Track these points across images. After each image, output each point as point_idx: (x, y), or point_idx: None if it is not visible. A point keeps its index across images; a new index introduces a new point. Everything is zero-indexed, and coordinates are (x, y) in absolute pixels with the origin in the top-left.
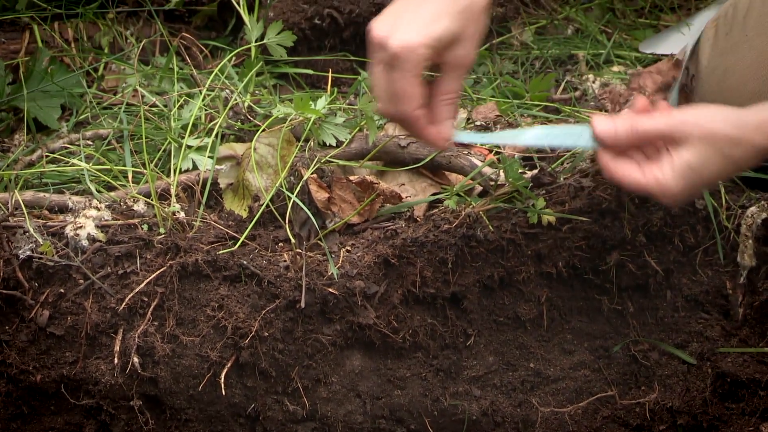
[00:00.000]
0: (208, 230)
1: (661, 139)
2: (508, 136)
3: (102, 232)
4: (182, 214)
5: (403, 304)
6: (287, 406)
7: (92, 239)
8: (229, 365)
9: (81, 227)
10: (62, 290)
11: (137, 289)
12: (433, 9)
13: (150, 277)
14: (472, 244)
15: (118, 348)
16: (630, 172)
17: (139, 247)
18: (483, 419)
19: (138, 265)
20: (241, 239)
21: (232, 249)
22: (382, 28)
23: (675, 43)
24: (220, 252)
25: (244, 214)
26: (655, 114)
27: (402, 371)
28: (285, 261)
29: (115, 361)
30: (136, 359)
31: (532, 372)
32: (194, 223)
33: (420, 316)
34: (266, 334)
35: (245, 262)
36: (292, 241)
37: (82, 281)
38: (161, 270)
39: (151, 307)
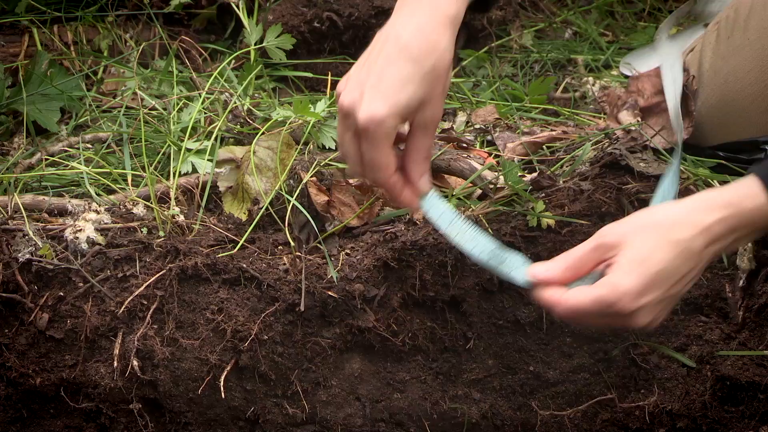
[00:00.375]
0: (207, 233)
1: (597, 254)
2: (465, 235)
3: (101, 235)
4: (182, 218)
5: (403, 308)
6: (287, 409)
7: (92, 242)
8: (228, 368)
9: (80, 230)
10: (62, 293)
11: (137, 293)
12: (397, 75)
13: (149, 281)
14: None
15: (117, 351)
16: (578, 292)
17: (138, 251)
18: (482, 422)
19: (137, 268)
20: (241, 242)
21: (232, 252)
22: (347, 96)
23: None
24: (220, 255)
25: (244, 217)
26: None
27: (401, 374)
28: (284, 264)
29: (115, 364)
30: (135, 362)
31: (532, 375)
32: (194, 226)
33: (419, 320)
34: (266, 337)
35: (245, 266)
36: (292, 244)
37: (81, 284)
38: (161, 273)
39: (151, 311)
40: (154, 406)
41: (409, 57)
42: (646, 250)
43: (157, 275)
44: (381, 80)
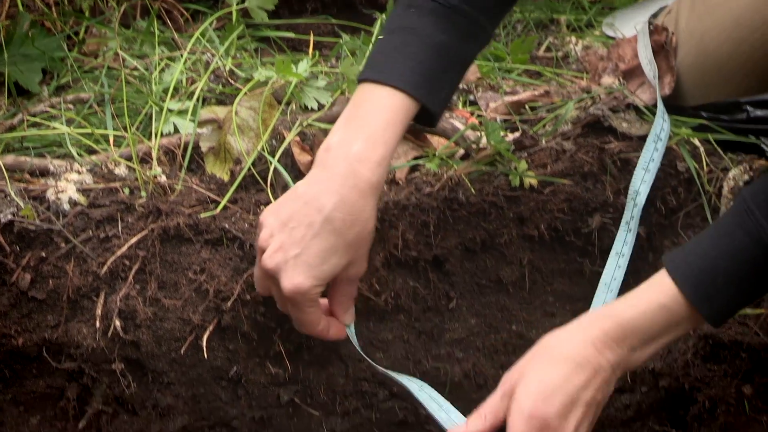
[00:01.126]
0: (189, 194)
1: (507, 400)
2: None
3: (83, 195)
4: (163, 178)
5: (385, 267)
6: (269, 369)
7: (73, 203)
8: (211, 328)
9: (62, 191)
10: (44, 254)
11: (119, 253)
12: (320, 247)
13: (131, 241)
14: (454, 207)
15: (99, 311)
16: None
17: (120, 211)
18: (465, 381)
19: (119, 228)
20: (223, 203)
21: (214, 212)
22: (271, 261)
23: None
24: (202, 215)
25: (226, 178)
26: None
27: (384, 334)
28: None
29: (97, 324)
30: (117, 322)
31: (515, 334)
32: (176, 186)
33: (402, 279)
34: (248, 297)
35: (227, 226)
36: None
37: (63, 245)
38: (143, 233)
39: (133, 271)
40: (136, 366)
41: (332, 230)
42: (540, 370)
43: (139, 236)
44: (304, 251)
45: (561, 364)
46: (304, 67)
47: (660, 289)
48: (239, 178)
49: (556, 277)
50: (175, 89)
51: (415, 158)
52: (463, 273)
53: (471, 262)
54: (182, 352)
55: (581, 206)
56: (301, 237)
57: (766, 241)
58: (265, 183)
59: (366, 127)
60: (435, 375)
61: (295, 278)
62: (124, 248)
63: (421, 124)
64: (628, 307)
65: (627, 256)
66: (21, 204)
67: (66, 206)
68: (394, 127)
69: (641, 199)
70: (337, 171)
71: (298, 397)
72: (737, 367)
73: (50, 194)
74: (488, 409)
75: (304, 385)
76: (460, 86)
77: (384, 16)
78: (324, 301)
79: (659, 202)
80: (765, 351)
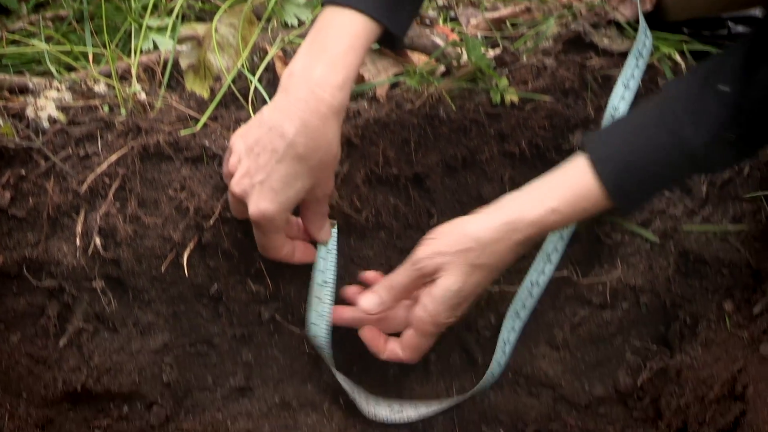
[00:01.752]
0: (169, 111)
1: (417, 281)
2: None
3: (63, 113)
4: (143, 95)
5: (366, 184)
6: (250, 286)
7: (53, 120)
8: (191, 246)
9: (42, 108)
10: (23, 172)
11: (99, 171)
12: (284, 173)
13: (111, 159)
14: (435, 124)
15: (80, 229)
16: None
17: (100, 129)
18: None
19: (99, 146)
20: (203, 120)
21: (194, 130)
22: (238, 186)
23: None
24: (182, 133)
25: (206, 95)
26: (400, 267)
27: (365, 251)
28: None
29: (77, 242)
30: (98, 240)
31: None
32: (155, 104)
33: (383, 196)
34: (229, 215)
35: (207, 143)
36: None
37: (43, 163)
38: (122, 151)
39: (113, 189)
40: (117, 284)
41: (295, 155)
42: (461, 281)
43: (119, 153)
44: (269, 177)
45: (480, 270)
46: None
47: (583, 189)
48: (219, 96)
49: None
50: (155, 6)
51: (396, 75)
52: (444, 190)
53: (452, 179)
54: (163, 269)
55: (562, 123)
56: (266, 163)
57: (691, 149)
58: (246, 100)
59: (327, 52)
60: None
61: (260, 203)
62: (104, 166)
63: (385, 47)
64: (551, 213)
65: None
66: (0, 122)
67: (45, 124)
68: (356, 50)
69: (619, 116)
70: (298, 96)
71: (279, 315)
72: (718, 283)
73: (29, 112)
74: (397, 281)
75: (285, 303)
76: (441, 3)
77: None
78: (298, 220)
79: None
80: (746, 267)
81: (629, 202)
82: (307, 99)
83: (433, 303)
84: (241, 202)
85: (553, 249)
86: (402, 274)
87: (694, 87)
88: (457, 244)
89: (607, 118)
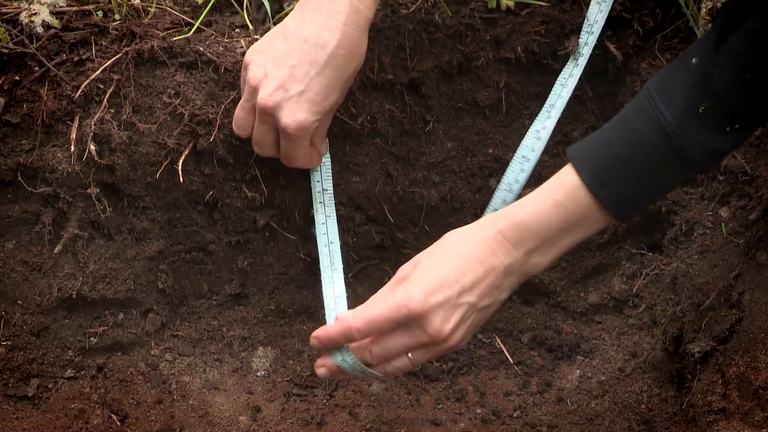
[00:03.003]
0: (163, 16)
1: (395, 319)
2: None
3: (57, 18)
4: (137, 0)
5: (361, 91)
6: (246, 193)
7: (47, 26)
8: (186, 152)
9: (35, 14)
10: (17, 78)
11: (93, 76)
12: (323, 83)
13: (105, 64)
14: (430, 30)
15: (74, 136)
16: (374, 302)
17: (94, 34)
18: (442, 205)
19: (93, 52)
20: (197, 25)
21: (188, 35)
22: (270, 98)
23: None
24: (176, 38)
25: (200, 0)
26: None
27: (360, 158)
28: (242, 47)
29: (72, 148)
30: (92, 147)
31: (491, 158)
32: (149, 9)
33: (378, 102)
34: (224, 121)
35: (201, 49)
36: (250, 27)
37: (37, 68)
38: (117, 57)
39: (107, 95)
40: (111, 191)
41: (335, 66)
42: (434, 263)
43: (114, 59)
44: (308, 88)
45: (453, 260)
46: None
47: (560, 182)
48: (213, 0)
49: (533, 100)
50: None
51: None
52: (439, 96)
53: (447, 85)
54: (157, 176)
55: (558, 28)
56: (304, 74)
57: (665, 126)
58: (240, 5)
59: None
60: (411, 199)
61: (298, 114)
62: (98, 72)
63: None
64: (524, 207)
65: (571, 87)
66: None
67: (39, 29)
68: None
69: (597, 29)
70: (337, 9)
71: (274, 222)
72: (714, 189)
73: (23, 17)
74: (379, 296)
75: (280, 210)
76: None
77: None
78: None
79: (636, 23)
80: (742, 173)
81: (613, 195)
82: (348, 11)
83: (406, 284)
84: (267, 116)
85: (556, 98)
86: (382, 288)
87: (670, 68)
88: (432, 246)
89: (582, 35)
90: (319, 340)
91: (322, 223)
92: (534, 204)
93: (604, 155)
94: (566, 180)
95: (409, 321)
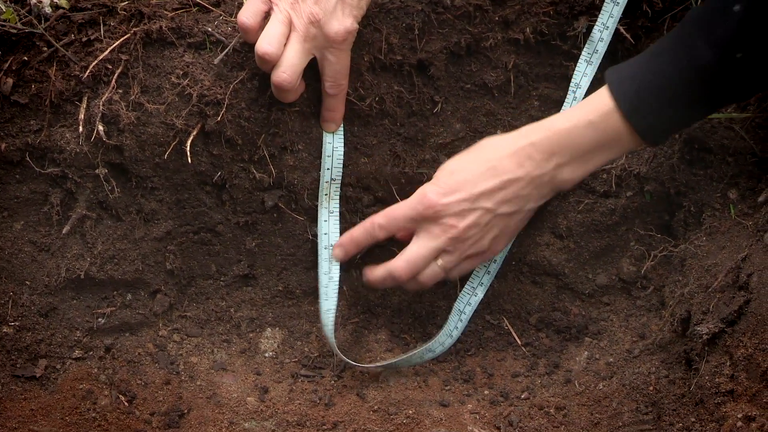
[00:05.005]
0: None
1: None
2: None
3: None
4: None
5: (370, 72)
6: (254, 173)
7: (55, 6)
8: (194, 133)
9: None
10: (26, 58)
11: (101, 57)
12: None
13: (114, 45)
14: (439, 11)
15: (82, 116)
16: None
17: (102, 14)
18: None
19: (102, 32)
20: (206, 5)
21: (197, 15)
22: (316, 8)
23: None
24: (185, 19)
25: None
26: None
27: (368, 139)
28: None
29: (80, 129)
30: (100, 127)
31: None
32: None
33: (387, 84)
34: (232, 101)
35: (210, 29)
36: None
37: (45, 49)
38: (125, 37)
39: (116, 75)
40: (120, 172)
41: None
42: (456, 164)
43: (122, 39)
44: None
45: (478, 164)
46: None
47: (595, 104)
48: None
49: (542, 81)
50: None
51: None
52: (447, 77)
53: (456, 66)
54: (166, 156)
55: (567, 9)
56: None
57: (704, 65)
58: None
59: None
60: (419, 180)
61: (346, 21)
62: (107, 52)
63: None
64: (563, 120)
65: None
66: (2, 8)
67: (48, 9)
68: None
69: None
70: None
71: (282, 203)
72: (723, 171)
73: None
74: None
75: (288, 190)
76: None
77: None
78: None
79: (645, 5)
80: (751, 155)
81: (646, 123)
82: None
83: (427, 184)
84: (312, 25)
85: (478, 283)
86: (403, 210)
87: (709, 9)
88: (467, 149)
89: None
90: (343, 246)
91: (325, 221)
92: (569, 121)
93: (641, 85)
94: (602, 103)
95: (426, 218)
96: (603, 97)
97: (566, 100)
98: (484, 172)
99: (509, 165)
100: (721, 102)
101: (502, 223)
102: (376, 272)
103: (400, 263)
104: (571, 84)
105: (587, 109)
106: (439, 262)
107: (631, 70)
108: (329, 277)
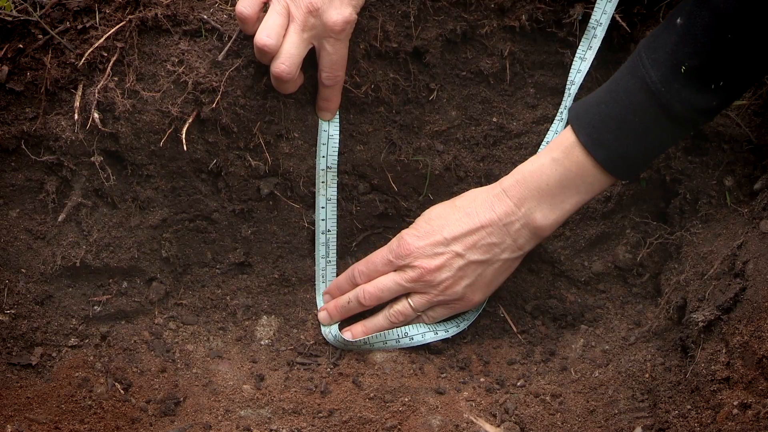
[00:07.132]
0: None
1: (388, 258)
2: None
3: None
4: None
5: (366, 59)
6: (249, 161)
7: None
8: (190, 120)
9: None
10: (21, 45)
11: (96, 44)
12: None
13: (109, 32)
14: None
15: (78, 104)
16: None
17: (98, 2)
18: (446, 174)
19: (97, 19)
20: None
21: (192, 3)
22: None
23: None
24: (180, 6)
25: None
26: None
27: (364, 126)
28: None
29: (76, 116)
30: (96, 115)
31: (495, 126)
32: None
33: (382, 71)
34: (228, 89)
35: (205, 17)
36: None
37: (41, 36)
38: (121, 25)
39: (111, 63)
40: (115, 159)
41: None
42: (435, 212)
43: (117, 27)
44: None
45: (455, 211)
46: None
47: (559, 141)
48: None
49: (537, 69)
50: None
51: None
52: (443, 65)
53: (452, 53)
54: (161, 144)
55: None
56: None
57: (650, 85)
58: None
59: None
60: (415, 168)
61: (344, 11)
62: (102, 40)
63: None
64: (530, 163)
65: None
66: None
67: None
68: None
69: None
70: None
71: (278, 190)
72: (719, 159)
73: None
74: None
75: (284, 178)
76: None
77: None
78: None
79: None
80: (747, 143)
81: (607, 154)
82: None
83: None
84: (311, 14)
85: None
86: (380, 253)
87: (660, 28)
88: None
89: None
90: (330, 293)
91: (322, 207)
92: (536, 161)
93: (599, 116)
94: (564, 138)
95: (400, 259)
96: (566, 132)
97: (563, 100)
98: (460, 217)
99: (481, 210)
100: (679, 123)
101: (476, 271)
102: (346, 295)
103: (368, 285)
104: (567, 82)
105: (551, 147)
106: (411, 301)
107: (590, 102)
108: (327, 261)
